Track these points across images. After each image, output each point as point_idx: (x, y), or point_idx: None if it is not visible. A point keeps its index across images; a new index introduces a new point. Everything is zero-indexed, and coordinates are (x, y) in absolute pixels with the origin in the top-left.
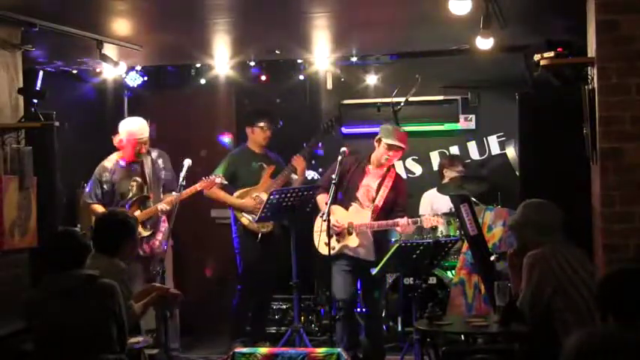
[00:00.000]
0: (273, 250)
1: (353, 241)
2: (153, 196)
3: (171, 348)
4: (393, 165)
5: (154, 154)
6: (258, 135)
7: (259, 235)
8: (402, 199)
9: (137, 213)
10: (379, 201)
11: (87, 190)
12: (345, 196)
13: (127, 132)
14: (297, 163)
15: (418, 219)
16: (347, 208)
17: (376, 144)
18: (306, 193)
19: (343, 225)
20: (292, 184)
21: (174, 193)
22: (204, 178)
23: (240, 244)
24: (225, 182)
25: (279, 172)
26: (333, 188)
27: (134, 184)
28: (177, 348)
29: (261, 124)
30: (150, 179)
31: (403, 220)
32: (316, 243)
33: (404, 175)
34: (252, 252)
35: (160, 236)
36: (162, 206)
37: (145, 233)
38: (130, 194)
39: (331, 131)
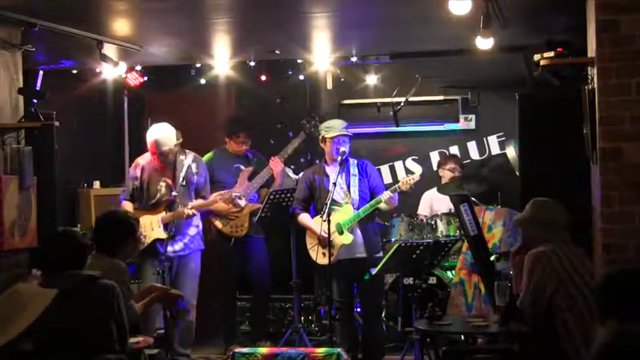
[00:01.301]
0: (248, 252)
1: (347, 238)
2: (181, 200)
3: (181, 353)
4: (348, 155)
5: (190, 157)
6: (233, 146)
7: (232, 240)
8: (375, 180)
9: (163, 214)
10: (354, 191)
11: (124, 186)
12: (320, 206)
13: (149, 138)
14: (274, 166)
15: (396, 185)
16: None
17: (322, 145)
18: None
19: (332, 229)
20: (272, 186)
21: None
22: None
23: (215, 248)
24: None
25: (257, 174)
26: (333, 188)
27: (163, 184)
28: (188, 354)
29: (239, 138)
30: (179, 182)
31: (384, 194)
32: (313, 257)
33: (404, 176)
34: (226, 255)
35: (185, 239)
36: (189, 211)
37: (162, 236)
38: (159, 195)
39: (314, 132)
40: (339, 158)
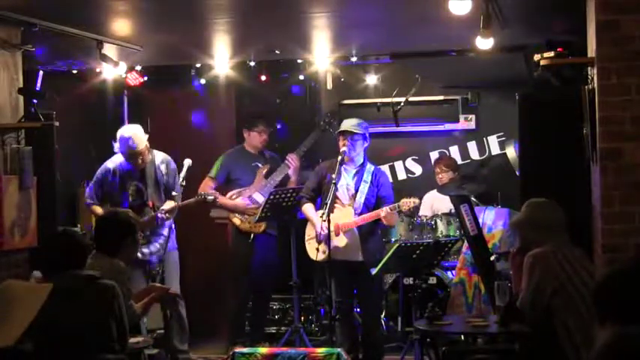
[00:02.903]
0: (266, 250)
1: (341, 241)
2: (153, 204)
3: (180, 350)
4: (369, 160)
5: (158, 158)
6: (254, 139)
7: (252, 236)
8: (385, 191)
9: None
10: (360, 197)
11: (87, 190)
12: (324, 201)
13: (118, 141)
14: (291, 162)
15: (396, 204)
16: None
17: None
18: None
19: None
20: (287, 184)
21: (174, 197)
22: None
23: (233, 245)
24: (215, 199)
25: (273, 172)
26: (332, 188)
27: (133, 188)
28: (186, 351)
29: (259, 128)
30: (150, 185)
31: (383, 209)
32: (309, 251)
33: (404, 176)
34: (245, 252)
35: (161, 240)
36: (163, 215)
37: (141, 242)
38: (131, 199)
39: (329, 129)
40: (339, 158)
